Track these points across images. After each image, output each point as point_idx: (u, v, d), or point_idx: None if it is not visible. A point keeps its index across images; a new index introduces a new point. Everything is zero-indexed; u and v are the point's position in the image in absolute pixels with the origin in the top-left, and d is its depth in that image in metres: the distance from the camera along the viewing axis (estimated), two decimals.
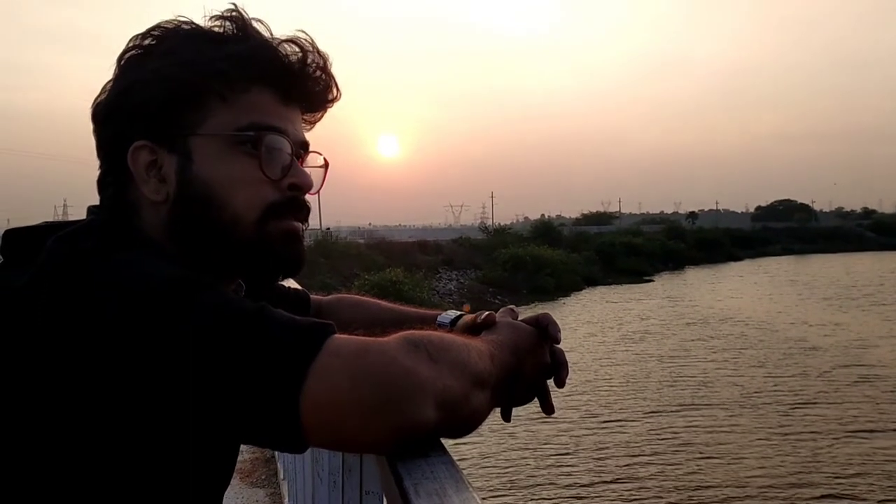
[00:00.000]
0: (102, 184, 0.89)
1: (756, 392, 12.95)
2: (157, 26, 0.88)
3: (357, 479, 1.42)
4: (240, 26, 0.88)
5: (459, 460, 1.14)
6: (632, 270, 40.60)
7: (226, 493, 0.96)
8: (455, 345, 0.76)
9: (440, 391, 0.70)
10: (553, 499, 8.40)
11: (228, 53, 0.85)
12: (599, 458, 9.58)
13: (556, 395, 0.96)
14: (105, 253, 0.74)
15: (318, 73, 0.91)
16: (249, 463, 5.08)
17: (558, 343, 0.96)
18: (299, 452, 0.72)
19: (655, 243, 50.08)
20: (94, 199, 0.90)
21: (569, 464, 9.43)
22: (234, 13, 0.88)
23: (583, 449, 9.96)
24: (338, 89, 0.95)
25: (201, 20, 0.89)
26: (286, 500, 3.93)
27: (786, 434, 10.50)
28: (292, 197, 0.89)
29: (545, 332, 0.95)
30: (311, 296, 1.31)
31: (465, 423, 0.77)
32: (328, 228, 39.20)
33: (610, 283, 36.64)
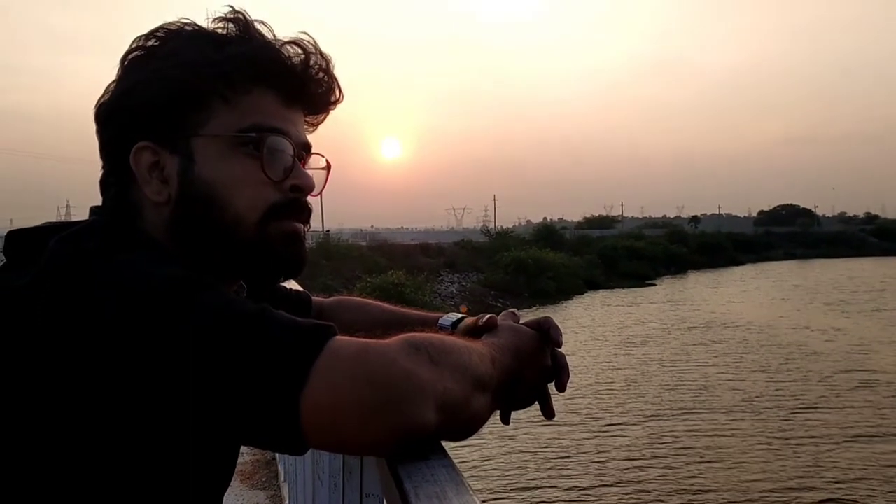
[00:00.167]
0: (105, 184, 0.89)
1: (757, 396, 12.93)
2: (160, 28, 0.88)
3: (357, 482, 1.41)
4: (242, 28, 0.88)
5: (460, 463, 1.14)
6: (634, 274, 40.63)
7: (226, 494, 0.96)
8: (456, 347, 0.76)
9: (441, 394, 0.70)
10: (553, 502, 8.40)
11: (231, 55, 0.85)
12: (600, 462, 9.57)
13: (557, 399, 0.96)
14: (107, 253, 0.74)
15: (321, 74, 0.91)
16: (250, 465, 5.07)
17: (559, 347, 0.96)
18: (299, 454, 0.72)
19: (658, 247, 50.05)
20: (97, 200, 0.90)
21: (569, 467, 9.42)
22: (236, 15, 0.89)
23: (583, 452, 9.95)
24: (340, 91, 0.95)
25: (204, 22, 0.89)
26: (286, 502, 3.93)
27: (787, 439, 10.49)
28: (294, 198, 0.89)
29: (546, 335, 0.95)
30: (313, 297, 1.31)
31: (466, 426, 0.77)
32: (327, 230, 39.23)
33: (612, 287, 36.63)
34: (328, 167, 0.99)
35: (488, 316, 0.98)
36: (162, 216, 0.86)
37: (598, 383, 14.07)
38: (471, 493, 0.65)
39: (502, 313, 1.03)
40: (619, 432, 10.90)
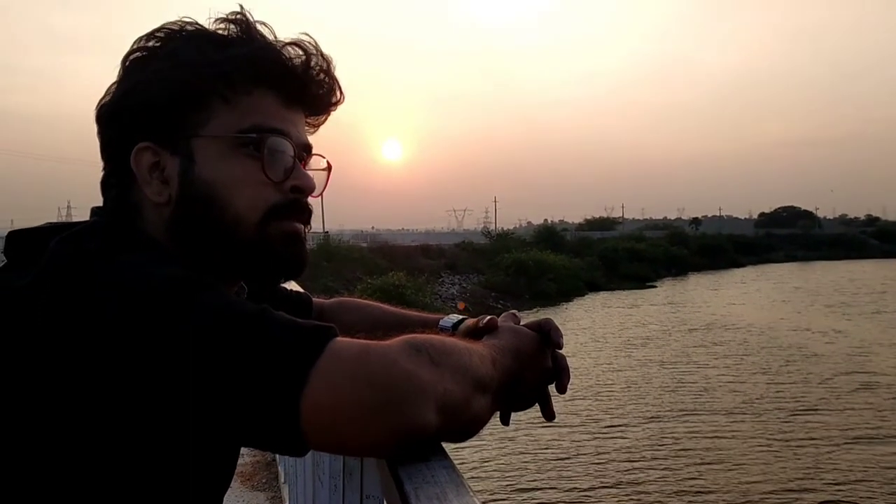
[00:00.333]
0: (106, 185, 0.90)
1: (757, 398, 12.93)
2: (161, 28, 0.88)
3: (358, 483, 1.41)
4: (243, 29, 0.88)
5: (460, 464, 1.14)
6: (634, 276, 40.65)
7: (226, 496, 0.96)
8: (457, 349, 0.76)
9: (441, 395, 0.70)
10: (554, 503, 8.39)
11: (231, 55, 0.85)
12: (600, 464, 9.56)
13: (557, 401, 0.96)
14: (108, 254, 0.74)
15: (322, 76, 0.91)
16: (250, 466, 5.07)
17: (560, 348, 0.96)
18: (300, 455, 0.72)
19: (658, 249, 50.07)
20: (98, 201, 0.90)
21: (569, 469, 9.41)
22: (238, 16, 0.89)
23: (583, 454, 9.95)
24: (341, 92, 0.95)
25: (206, 23, 0.89)
26: (287, 503, 3.93)
27: (787, 440, 10.48)
28: (294, 199, 0.89)
29: (547, 337, 0.95)
30: (314, 299, 1.31)
31: (466, 428, 0.77)
32: (327, 232, 39.28)
33: (613, 289, 36.63)
34: (329, 168, 0.99)
35: (489, 317, 0.98)
36: (162, 217, 0.86)
37: (599, 385, 14.06)
38: (471, 494, 0.65)
39: (503, 315, 1.03)
40: (619, 434, 10.90)
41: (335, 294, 1.48)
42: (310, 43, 0.90)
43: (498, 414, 0.90)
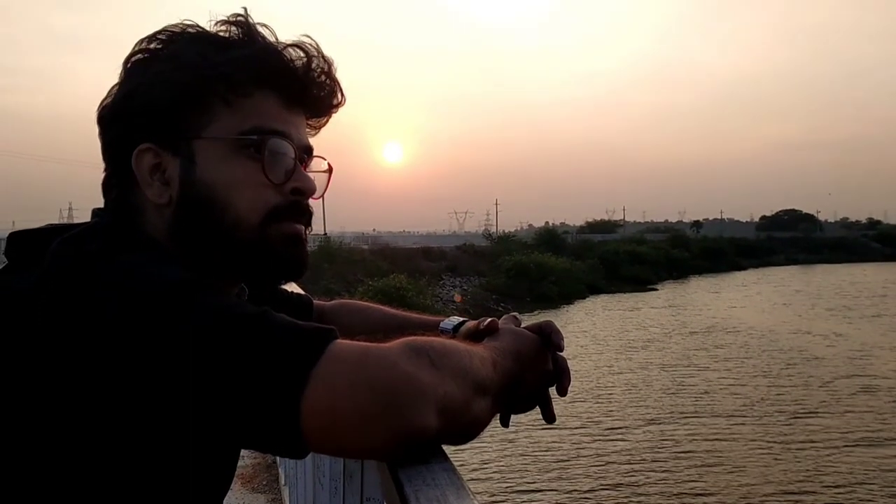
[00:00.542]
0: (107, 186, 0.90)
1: (758, 401, 12.92)
2: (163, 30, 0.88)
3: (358, 486, 1.41)
4: (245, 31, 0.88)
5: (460, 467, 1.14)
6: (636, 279, 40.65)
7: (226, 498, 0.96)
8: (457, 351, 0.76)
9: (441, 397, 0.70)
10: None
11: (233, 57, 0.85)
12: (600, 466, 9.56)
13: (558, 403, 0.96)
14: (109, 255, 0.74)
15: (323, 77, 0.91)
16: (251, 468, 5.07)
17: (561, 351, 0.96)
18: (300, 458, 0.72)
19: (659, 252, 50.13)
20: (100, 202, 0.90)
21: (570, 471, 9.41)
22: (239, 18, 0.89)
23: (584, 456, 9.94)
24: (342, 94, 0.95)
25: (207, 25, 0.89)
26: None
27: (788, 443, 10.48)
28: (295, 201, 0.89)
29: (548, 339, 0.95)
30: (314, 301, 1.31)
31: (467, 430, 0.77)
32: (326, 234, 39.34)
33: (613, 292, 36.63)
34: (330, 170, 0.99)
35: (490, 319, 0.98)
36: (163, 218, 0.86)
37: (599, 387, 14.06)
38: (471, 496, 0.64)
39: (504, 317, 1.03)
40: (619, 436, 10.89)
41: (336, 296, 1.49)
42: (311, 45, 0.90)
43: (498, 416, 0.90)
